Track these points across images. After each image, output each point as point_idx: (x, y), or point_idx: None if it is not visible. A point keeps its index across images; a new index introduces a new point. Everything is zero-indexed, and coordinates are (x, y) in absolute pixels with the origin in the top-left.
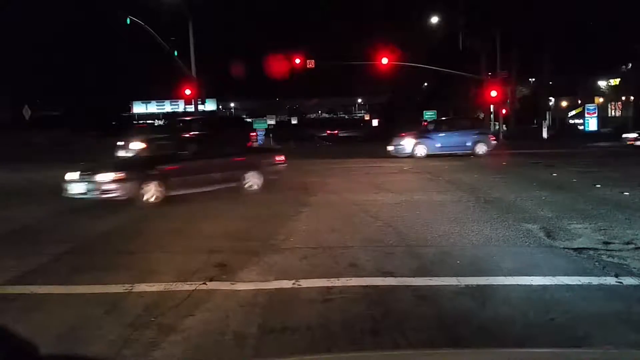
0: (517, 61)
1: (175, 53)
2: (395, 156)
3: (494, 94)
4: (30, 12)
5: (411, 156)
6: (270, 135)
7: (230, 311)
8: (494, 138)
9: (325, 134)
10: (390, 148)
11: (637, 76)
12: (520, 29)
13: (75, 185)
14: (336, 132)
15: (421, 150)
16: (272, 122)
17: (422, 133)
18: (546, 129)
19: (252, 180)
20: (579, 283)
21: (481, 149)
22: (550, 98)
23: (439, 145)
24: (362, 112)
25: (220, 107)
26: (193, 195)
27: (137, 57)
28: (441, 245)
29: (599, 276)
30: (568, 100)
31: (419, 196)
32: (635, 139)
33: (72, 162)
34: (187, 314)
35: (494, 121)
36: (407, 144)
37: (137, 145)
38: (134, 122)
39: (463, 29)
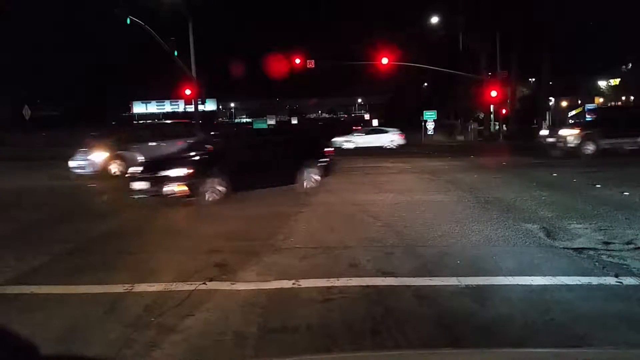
0: (517, 61)
1: (175, 53)
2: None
3: (494, 94)
4: (30, 12)
5: (103, 176)
6: None
7: (230, 311)
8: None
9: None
10: (72, 164)
11: (637, 76)
12: (520, 29)
13: None
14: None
15: (118, 167)
16: (272, 122)
17: (121, 143)
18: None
19: None
20: (579, 283)
21: None
22: (550, 98)
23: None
24: (362, 112)
25: (220, 107)
26: None
27: (137, 57)
28: (441, 245)
29: (599, 276)
30: (568, 100)
31: (419, 196)
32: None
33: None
34: (187, 314)
35: (494, 121)
36: (97, 158)
37: None
38: (134, 122)
39: (463, 29)
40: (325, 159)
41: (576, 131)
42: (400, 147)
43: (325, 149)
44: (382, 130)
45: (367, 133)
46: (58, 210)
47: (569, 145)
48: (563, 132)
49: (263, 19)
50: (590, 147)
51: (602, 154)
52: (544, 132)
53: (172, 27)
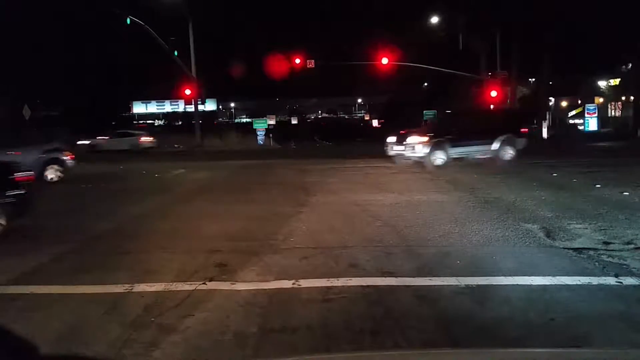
0: (517, 61)
1: (175, 53)
2: None
3: (494, 94)
4: (30, 12)
5: None
6: (271, 135)
7: (230, 311)
8: None
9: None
10: None
11: (637, 76)
12: (520, 29)
13: None
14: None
15: None
16: (272, 122)
17: None
18: (546, 129)
19: None
20: (579, 283)
21: None
22: (550, 98)
23: None
24: (362, 112)
25: (220, 107)
26: None
27: (137, 57)
28: (441, 245)
29: (599, 276)
30: (568, 100)
31: (419, 196)
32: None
33: None
34: (187, 314)
35: None
36: None
37: None
38: (134, 122)
39: (463, 29)
40: (16, 191)
41: (425, 139)
42: (146, 149)
43: (16, 176)
44: (128, 133)
45: (113, 136)
46: None
47: (417, 154)
48: (411, 139)
49: (263, 19)
50: (440, 157)
51: (451, 164)
52: (391, 139)
53: (172, 27)
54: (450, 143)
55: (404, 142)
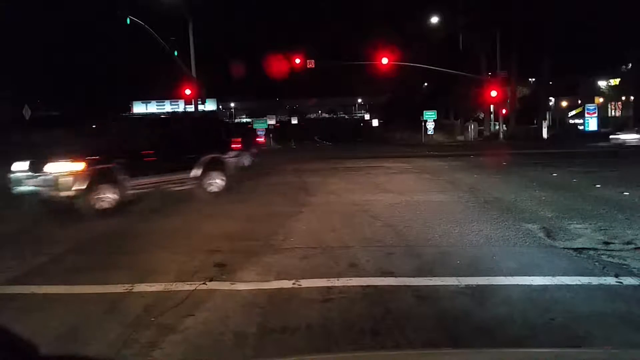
0: (517, 61)
1: (175, 53)
2: None
3: (494, 94)
4: (30, 12)
5: None
6: (271, 135)
7: (230, 311)
8: None
9: None
10: None
11: (637, 76)
12: (520, 29)
13: None
14: None
15: None
16: (273, 122)
17: None
18: (546, 129)
19: None
20: (579, 283)
21: None
22: (550, 98)
23: None
24: (362, 112)
25: (220, 107)
26: None
27: (137, 57)
28: (441, 245)
29: (599, 276)
30: (568, 100)
31: (419, 196)
32: None
33: None
34: (187, 314)
35: (494, 121)
36: None
37: None
38: None
39: (463, 29)
40: None
41: (79, 165)
42: None
43: None
44: None
45: None
46: None
47: (63, 192)
48: (53, 166)
49: (263, 19)
50: (107, 196)
51: (124, 205)
52: (19, 165)
53: (172, 27)
54: (127, 171)
55: (42, 172)
